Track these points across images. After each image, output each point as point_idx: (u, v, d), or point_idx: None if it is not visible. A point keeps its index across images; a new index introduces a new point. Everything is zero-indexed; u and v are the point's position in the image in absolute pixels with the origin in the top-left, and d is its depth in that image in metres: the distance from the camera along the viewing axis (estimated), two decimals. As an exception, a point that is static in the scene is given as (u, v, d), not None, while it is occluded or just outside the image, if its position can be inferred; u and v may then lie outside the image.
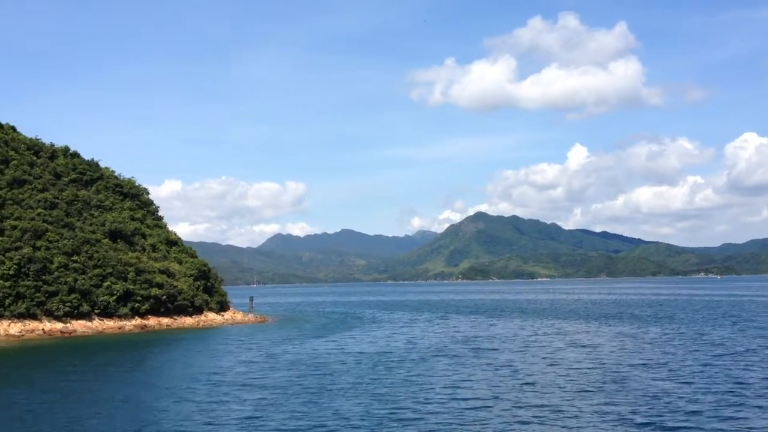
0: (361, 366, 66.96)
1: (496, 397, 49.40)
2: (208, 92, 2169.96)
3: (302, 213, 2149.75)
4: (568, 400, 47.89)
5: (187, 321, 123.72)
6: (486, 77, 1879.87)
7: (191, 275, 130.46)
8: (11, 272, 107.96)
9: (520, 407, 45.71)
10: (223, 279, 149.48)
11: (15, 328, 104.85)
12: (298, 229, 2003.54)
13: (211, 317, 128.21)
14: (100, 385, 58.11)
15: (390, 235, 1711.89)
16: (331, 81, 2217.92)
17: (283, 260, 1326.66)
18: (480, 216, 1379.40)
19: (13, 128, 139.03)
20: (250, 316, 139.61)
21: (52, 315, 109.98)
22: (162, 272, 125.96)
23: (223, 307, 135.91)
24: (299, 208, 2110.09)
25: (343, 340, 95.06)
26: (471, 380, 57.51)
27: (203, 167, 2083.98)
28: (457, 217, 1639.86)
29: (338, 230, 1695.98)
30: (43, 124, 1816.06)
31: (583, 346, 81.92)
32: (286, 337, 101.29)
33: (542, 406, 46.02)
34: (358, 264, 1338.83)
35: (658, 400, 47.28)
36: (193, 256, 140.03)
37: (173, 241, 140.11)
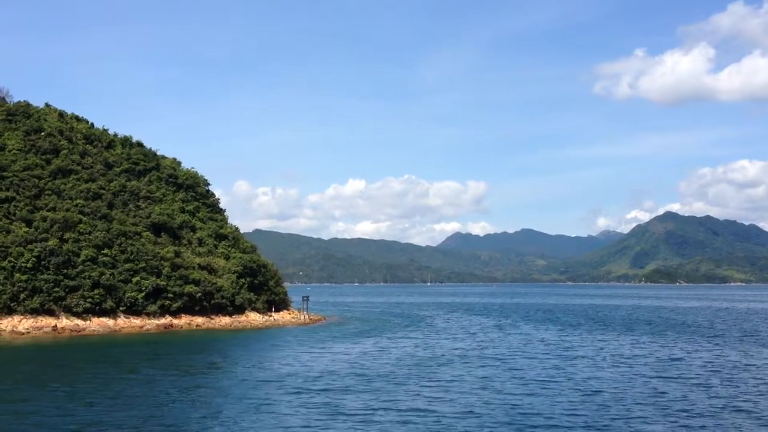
0: (235, 401, 50.48)
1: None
2: (391, 92, 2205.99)
3: (483, 212, 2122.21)
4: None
5: (223, 321, 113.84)
6: (679, 68, 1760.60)
7: (235, 272, 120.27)
8: (29, 265, 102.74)
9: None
10: (280, 277, 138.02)
11: (25, 324, 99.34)
12: (479, 228, 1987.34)
13: (251, 317, 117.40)
14: None
15: (572, 235, 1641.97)
16: (514, 78, 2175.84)
17: (462, 259, 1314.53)
18: (670, 216, 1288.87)
19: (76, 117, 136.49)
20: (303, 316, 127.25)
21: (70, 311, 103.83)
22: (202, 268, 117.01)
23: (272, 306, 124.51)
24: (480, 207, 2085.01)
25: (333, 353, 79.03)
26: None
27: (386, 166, 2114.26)
28: (645, 217, 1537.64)
29: (518, 230, 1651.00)
30: (234, 125, 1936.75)
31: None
32: (286, 345, 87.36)
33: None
34: (538, 264, 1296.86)
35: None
36: (246, 251, 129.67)
37: (223, 235, 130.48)
